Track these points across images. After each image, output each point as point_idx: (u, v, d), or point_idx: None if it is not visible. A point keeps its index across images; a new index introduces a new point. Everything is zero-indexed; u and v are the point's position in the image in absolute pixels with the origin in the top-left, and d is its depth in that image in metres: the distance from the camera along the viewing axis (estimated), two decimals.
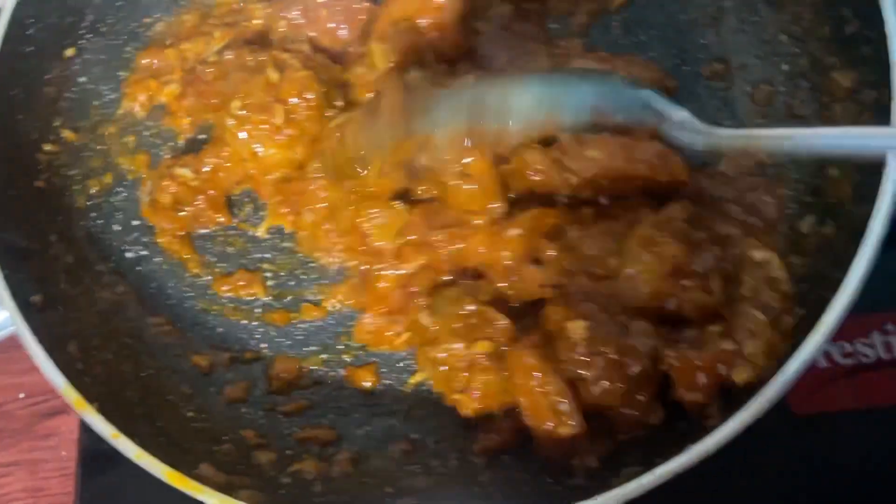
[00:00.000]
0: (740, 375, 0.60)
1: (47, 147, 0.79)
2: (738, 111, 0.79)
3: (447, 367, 0.67)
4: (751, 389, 0.57)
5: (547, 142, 0.69)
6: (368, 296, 0.73)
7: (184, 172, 0.79)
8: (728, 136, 0.68)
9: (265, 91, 0.76)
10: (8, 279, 0.66)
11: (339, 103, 0.78)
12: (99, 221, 0.80)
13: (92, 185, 0.81)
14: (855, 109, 0.68)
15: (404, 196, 0.74)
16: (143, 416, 0.67)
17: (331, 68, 0.80)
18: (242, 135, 0.76)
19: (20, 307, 0.65)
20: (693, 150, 0.67)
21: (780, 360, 0.57)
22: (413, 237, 0.72)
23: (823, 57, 0.73)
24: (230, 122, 0.76)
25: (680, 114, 0.68)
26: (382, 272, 0.72)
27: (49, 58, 0.80)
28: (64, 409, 0.93)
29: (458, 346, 0.66)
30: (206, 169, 0.79)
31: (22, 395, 0.93)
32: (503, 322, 0.67)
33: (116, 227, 0.81)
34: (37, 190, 0.76)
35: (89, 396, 0.63)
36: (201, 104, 0.81)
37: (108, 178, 0.82)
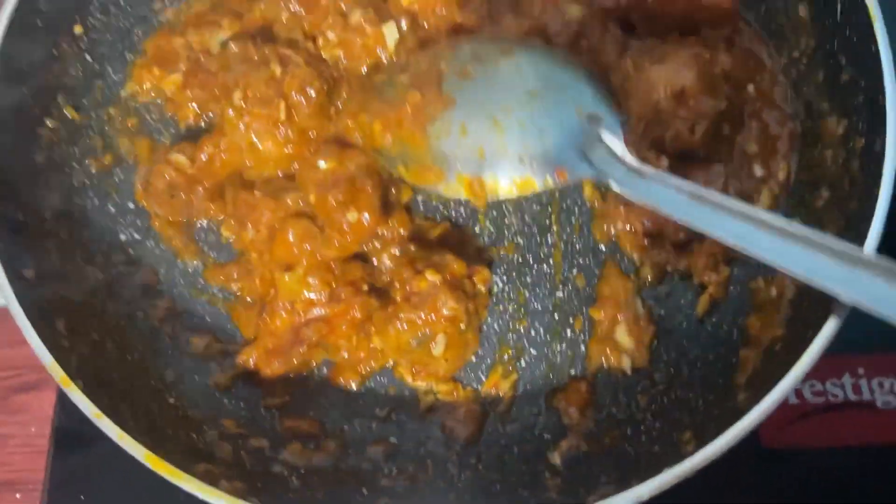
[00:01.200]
0: None
1: (49, 122, 0.79)
2: None
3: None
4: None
5: None
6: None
7: (180, 159, 0.79)
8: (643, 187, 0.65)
9: (267, 85, 0.77)
10: (1, 252, 0.66)
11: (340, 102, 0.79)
12: (95, 201, 0.80)
13: (91, 164, 0.81)
14: (844, 156, 0.70)
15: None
16: (126, 398, 0.67)
17: (333, 66, 0.81)
18: (242, 126, 0.77)
19: (11, 280, 0.65)
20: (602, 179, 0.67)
21: (757, 394, 0.59)
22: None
23: (817, 102, 0.75)
24: (230, 112, 0.77)
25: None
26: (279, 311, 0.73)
27: (57, 32, 0.80)
28: (35, 386, 0.93)
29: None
30: (203, 157, 0.79)
31: None
32: None
33: (111, 209, 0.81)
34: (36, 164, 0.76)
35: (73, 374, 0.63)
36: (205, 94, 0.82)
37: (107, 159, 0.82)
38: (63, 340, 0.67)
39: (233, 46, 0.79)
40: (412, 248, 0.75)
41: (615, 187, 0.65)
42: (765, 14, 0.81)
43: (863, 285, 0.52)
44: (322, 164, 0.74)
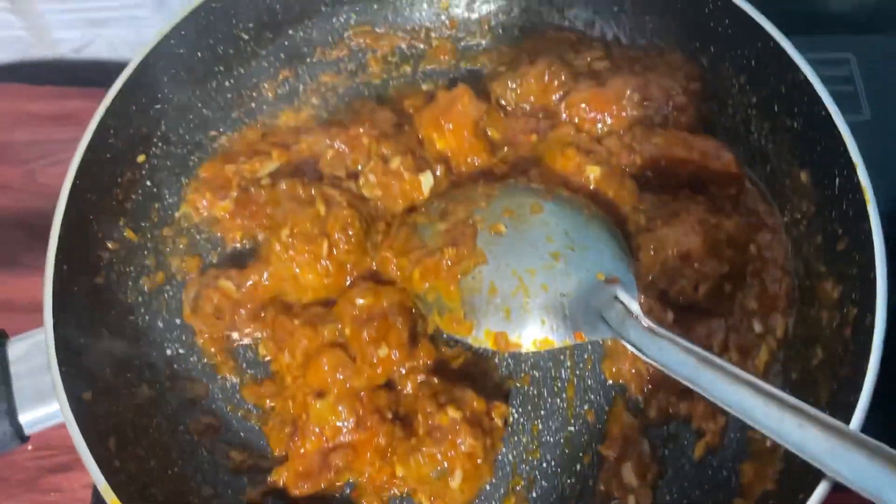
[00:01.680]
0: None
1: (110, 245, 0.85)
2: None
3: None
4: None
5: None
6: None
7: (227, 285, 0.86)
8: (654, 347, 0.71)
9: (312, 223, 0.84)
10: (63, 376, 0.72)
11: (378, 238, 0.86)
12: (146, 318, 0.87)
13: (144, 283, 0.88)
14: (838, 320, 0.76)
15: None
16: None
17: (372, 206, 0.89)
18: (287, 259, 0.84)
19: (71, 404, 0.71)
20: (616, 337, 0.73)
21: None
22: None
23: (815, 264, 0.81)
24: (277, 247, 0.84)
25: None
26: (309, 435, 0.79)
27: (123, 163, 0.87)
28: (69, 467, 0.98)
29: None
30: (248, 283, 0.86)
31: (30, 448, 0.98)
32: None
33: (160, 325, 0.87)
34: (95, 286, 0.83)
35: (123, 496, 0.68)
36: (252, 223, 0.89)
37: (159, 277, 0.89)
38: (114, 460, 0.72)
39: (283, 185, 0.86)
40: (435, 380, 0.80)
41: (628, 346, 0.71)
42: (769, 174, 0.88)
43: (846, 461, 0.58)
44: (360, 300, 0.81)
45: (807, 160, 0.83)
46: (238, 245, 0.91)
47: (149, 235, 0.90)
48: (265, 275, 0.85)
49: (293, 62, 1.00)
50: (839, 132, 0.77)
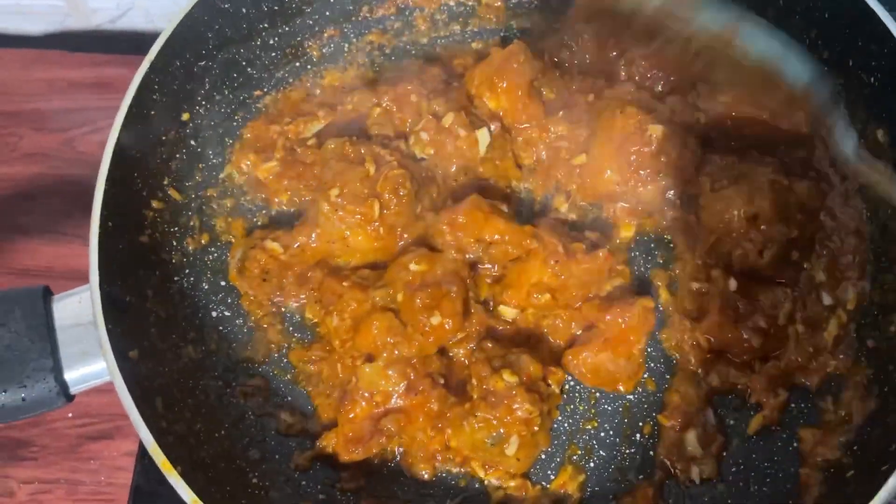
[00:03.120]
0: None
1: (155, 204, 0.83)
2: None
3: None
4: None
5: None
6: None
7: (274, 246, 0.83)
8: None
9: (362, 183, 0.81)
10: (110, 333, 0.70)
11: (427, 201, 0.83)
12: (191, 279, 0.85)
13: (189, 244, 0.86)
14: None
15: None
16: (215, 479, 0.71)
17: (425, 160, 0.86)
18: (336, 220, 0.81)
19: (118, 361, 0.69)
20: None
21: None
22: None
23: (892, 226, 0.77)
24: (326, 207, 0.81)
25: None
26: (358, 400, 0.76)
27: (168, 120, 0.85)
28: (109, 435, 0.97)
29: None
30: (295, 245, 0.83)
31: (70, 415, 0.97)
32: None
33: (205, 286, 0.86)
34: (140, 244, 0.81)
35: (173, 458, 0.66)
36: (299, 184, 0.86)
37: (204, 238, 0.87)
38: (161, 421, 0.70)
39: (331, 144, 0.83)
40: (489, 344, 0.78)
41: None
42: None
43: None
44: (413, 266, 0.78)
45: (884, 118, 0.78)
46: (284, 207, 0.89)
47: (193, 196, 0.88)
48: (313, 236, 0.83)
49: (339, 20, 0.97)
50: None
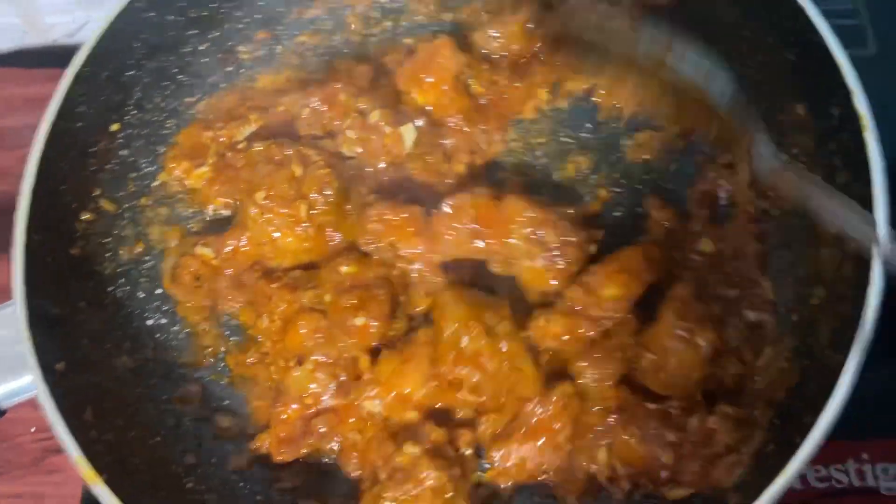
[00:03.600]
0: None
1: (85, 216, 0.83)
2: None
3: None
4: None
5: None
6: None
7: (205, 252, 0.84)
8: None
9: (289, 185, 0.81)
10: (36, 346, 0.70)
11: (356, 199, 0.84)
12: (126, 288, 0.85)
13: (123, 253, 0.86)
14: (839, 257, 0.72)
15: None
16: (147, 486, 0.71)
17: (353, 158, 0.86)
18: (264, 223, 0.81)
19: (44, 374, 0.69)
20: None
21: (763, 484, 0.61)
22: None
23: None
24: (253, 210, 0.81)
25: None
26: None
27: (96, 131, 0.85)
28: None
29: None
30: (226, 250, 0.84)
31: (33, 430, 0.98)
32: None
33: (141, 295, 0.86)
34: (71, 257, 0.81)
35: (99, 466, 0.67)
36: (230, 188, 0.87)
37: (138, 247, 0.87)
38: (91, 431, 0.71)
39: (257, 146, 0.84)
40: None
41: None
42: (766, 111, 0.83)
43: None
44: (344, 268, 0.78)
45: (804, 92, 0.78)
46: (222, 212, 0.89)
47: (126, 205, 0.88)
48: (243, 240, 0.83)
49: (270, 23, 0.97)
50: (835, 60, 0.72)
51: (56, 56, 1.29)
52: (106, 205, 0.86)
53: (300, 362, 0.77)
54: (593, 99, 0.92)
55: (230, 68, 0.96)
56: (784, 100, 0.81)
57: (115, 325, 0.82)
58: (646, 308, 0.78)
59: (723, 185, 0.83)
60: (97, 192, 0.85)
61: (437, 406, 0.76)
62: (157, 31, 0.89)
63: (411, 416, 0.75)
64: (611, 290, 0.76)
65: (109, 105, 0.86)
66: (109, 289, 0.84)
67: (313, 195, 0.81)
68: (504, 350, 0.73)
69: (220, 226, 0.88)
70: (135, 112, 0.89)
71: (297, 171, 0.81)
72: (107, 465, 0.68)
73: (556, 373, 0.77)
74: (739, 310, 0.76)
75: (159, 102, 0.92)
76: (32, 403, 0.92)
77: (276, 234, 0.82)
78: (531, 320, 0.76)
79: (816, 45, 0.74)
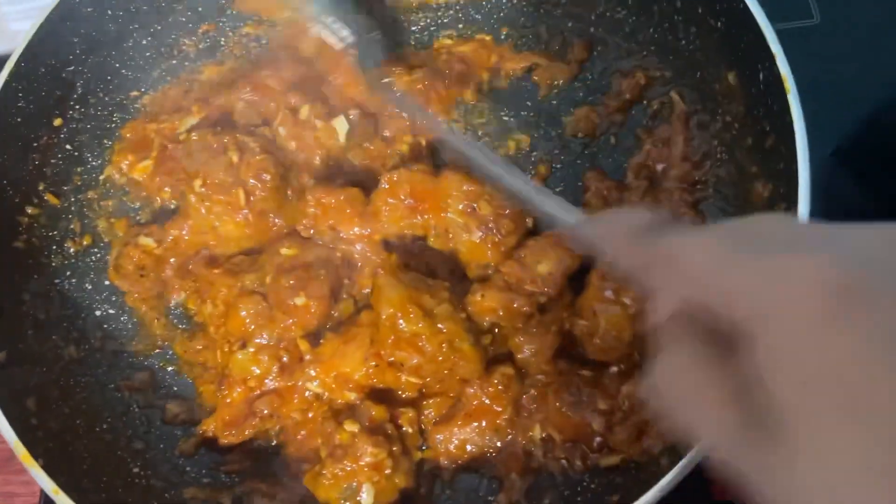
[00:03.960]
0: None
1: (29, 210, 0.84)
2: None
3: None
4: None
5: None
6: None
7: (147, 242, 0.85)
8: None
9: (226, 172, 0.82)
10: None
11: (296, 184, 0.84)
12: (73, 280, 0.86)
13: (70, 246, 0.87)
14: None
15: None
16: (89, 471, 0.72)
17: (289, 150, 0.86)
18: (203, 210, 0.82)
19: None
20: None
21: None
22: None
23: (748, 167, 0.77)
24: (192, 198, 0.82)
25: None
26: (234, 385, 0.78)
27: (38, 126, 0.86)
28: None
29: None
30: (168, 239, 0.84)
31: None
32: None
33: (88, 287, 0.86)
34: (14, 250, 0.82)
35: (36, 452, 0.67)
36: (172, 180, 0.87)
37: (86, 240, 0.88)
38: (32, 418, 0.71)
39: (194, 135, 0.84)
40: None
41: None
42: (699, 81, 0.84)
43: None
44: (285, 251, 0.79)
45: (733, 60, 0.79)
46: (170, 204, 0.90)
47: (73, 199, 0.89)
48: (185, 228, 0.84)
49: (213, 15, 0.97)
50: (758, 25, 0.73)
51: None
52: (51, 198, 0.87)
53: (243, 345, 0.78)
54: (534, 78, 0.92)
55: (174, 61, 0.96)
56: (716, 70, 0.81)
57: (61, 317, 0.83)
58: (581, 281, 0.78)
59: (659, 157, 0.84)
60: (42, 186, 0.86)
61: (379, 387, 0.77)
62: (97, 27, 0.89)
63: (351, 396, 0.75)
64: (545, 265, 0.76)
65: (50, 100, 0.87)
66: (56, 281, 0.85)
67: (251, 182, 0.81)
68: (443, 331, 0.73)
69: (167, 217, 0.88)
70: (78, 107, 0.90)
71: (234, 157, 0.82)
72: (45, 452, 0.68)
73: (499, 356, 0.77)
74: None
75: (103, 97, 0.92)
76: None
77: (217, 223, 0.82)
78: (468, 295, 0.77)
79: (740, 11, 0.74)
